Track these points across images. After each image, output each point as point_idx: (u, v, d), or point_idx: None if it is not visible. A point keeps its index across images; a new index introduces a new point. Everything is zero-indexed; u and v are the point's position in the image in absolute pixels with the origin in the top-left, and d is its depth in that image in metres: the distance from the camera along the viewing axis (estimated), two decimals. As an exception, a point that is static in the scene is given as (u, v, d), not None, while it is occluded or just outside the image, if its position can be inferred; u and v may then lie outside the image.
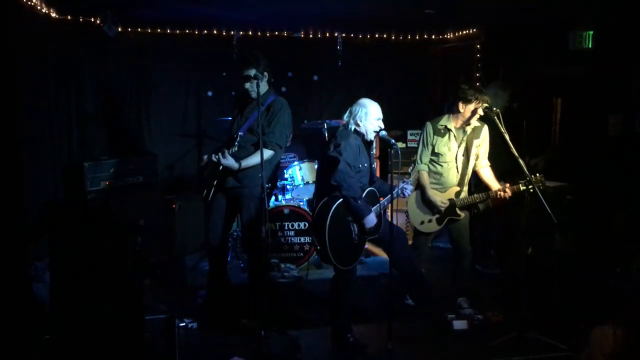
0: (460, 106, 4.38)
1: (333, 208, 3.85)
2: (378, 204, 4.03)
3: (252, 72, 4.20)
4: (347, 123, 4.03)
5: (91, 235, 3.42)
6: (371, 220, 3.91)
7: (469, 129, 4.48)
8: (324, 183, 3.96)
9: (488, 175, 4.56)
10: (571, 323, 4.12)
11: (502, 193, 4.33)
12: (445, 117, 4.54)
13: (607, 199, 4.93)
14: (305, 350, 4.02)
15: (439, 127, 4.52)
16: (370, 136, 4.01)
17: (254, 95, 4.23)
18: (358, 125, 3.99)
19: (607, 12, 5.14)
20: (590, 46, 5.34)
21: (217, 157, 4.22)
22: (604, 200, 4.94)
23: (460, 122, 4.46)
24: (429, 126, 4.57)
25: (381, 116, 4.01)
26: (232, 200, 4.43)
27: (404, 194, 4.17)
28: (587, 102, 5.48)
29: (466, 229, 4.60)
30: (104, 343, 3.32)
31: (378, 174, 5.93)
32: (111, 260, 3.42)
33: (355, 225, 3.95)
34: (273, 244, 5.46)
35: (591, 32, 5.33)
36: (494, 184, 4.48)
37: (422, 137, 4.61)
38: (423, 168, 4.59)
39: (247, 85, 4.25)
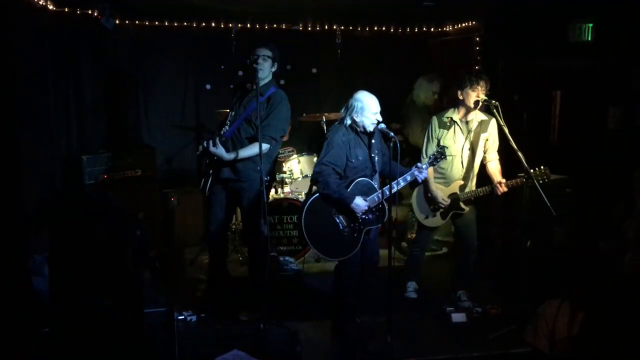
0: (458, 94, 4.36)
1: (307, 205, 3.93)
2: (375, 193, 3.99)
3: (268, 52, 4.23)
4: (343, 118, 4.00)
5: (90, 228, 3.41)
6: (358, 206, 3.90)
7: (475, 122, 4.45)
8: None
9: (493, 169, 4.50)
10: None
11: (499, 186, 4.31)
12: (451, 109, 4.51)
13: (606, 192, 4.93)
14: (304, 343, 4.02)
15: (445, 119, 4.49)
16: (369, 129, 3.98)
17: (260, 74, 4.21)
18: (354, 120, 3.96)
19: (607, 4, 5.12)
20: (590, 39, 5.32)
21: (206, 143, 4.18)
22: (603, 194, 4.93)
23: (463, 113, 4.43)
24: (434, 120, 4.54)
25: (378, 109, 3.95)
26: (232, 194, 4.42)
27: (417, 178, 4.05)
28: (587, 94, 5.46)
29: (474, 223, 4.58)
30: (103, 336, 3.33)
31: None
32: (110, 253, 3.42)
33: (342, 217, 3.95)
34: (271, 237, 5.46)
35: (591, 25, 5.31)
36: (496, 177, 4.44)
37: (427, 131, 4.58)
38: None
39: (259, 63, 4.20)
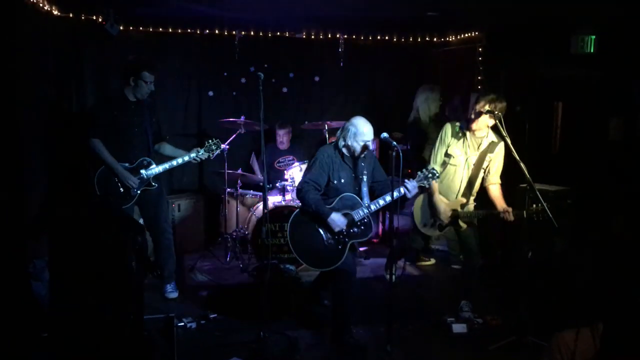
0: (479, 105, 4.27)
1: (292, 217, 4.14)
2: (360, 207, 4.07)
3: (153, 77, 4.65)
4: (337, 139, 4.15)
5: (91, 233, 3.41)
6: (334, 221, 3.99)
7: (485, 141, 4.40)
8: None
9: (495, 194, 4.45)
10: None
11: (505, 215, 4.26)
12: (463, 122, 4.50)
13: (607, 203, 4.93)
14: (304, 351, 4.02)
15: (457, 129, 4.46)
16: (357, 153, 4.11)
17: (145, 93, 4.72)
18: (346, 144, 4.09)
19: (609, 16, 5.14)
20: (592, 51, 5.34)
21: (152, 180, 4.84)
22: (604, 205, 4.93)
23: (475, 124, 4.36)
24: (447, 126, 4.51)
25: (370, 137, 4.06)
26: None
27: (405, 193, 4.05)
28: (588, 105, 5.47)
29: (475, 230, 4.57)
30: (102, 342, 3.32)
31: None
32: (111, 258, 3.41)
33: (324, 228, 4.06)
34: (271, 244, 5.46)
35: (593, 37, 5.33)
36: (499, 203, 4.37)
37: (440, 135, 4.53)
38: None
39: (152, 87, 4.68)
